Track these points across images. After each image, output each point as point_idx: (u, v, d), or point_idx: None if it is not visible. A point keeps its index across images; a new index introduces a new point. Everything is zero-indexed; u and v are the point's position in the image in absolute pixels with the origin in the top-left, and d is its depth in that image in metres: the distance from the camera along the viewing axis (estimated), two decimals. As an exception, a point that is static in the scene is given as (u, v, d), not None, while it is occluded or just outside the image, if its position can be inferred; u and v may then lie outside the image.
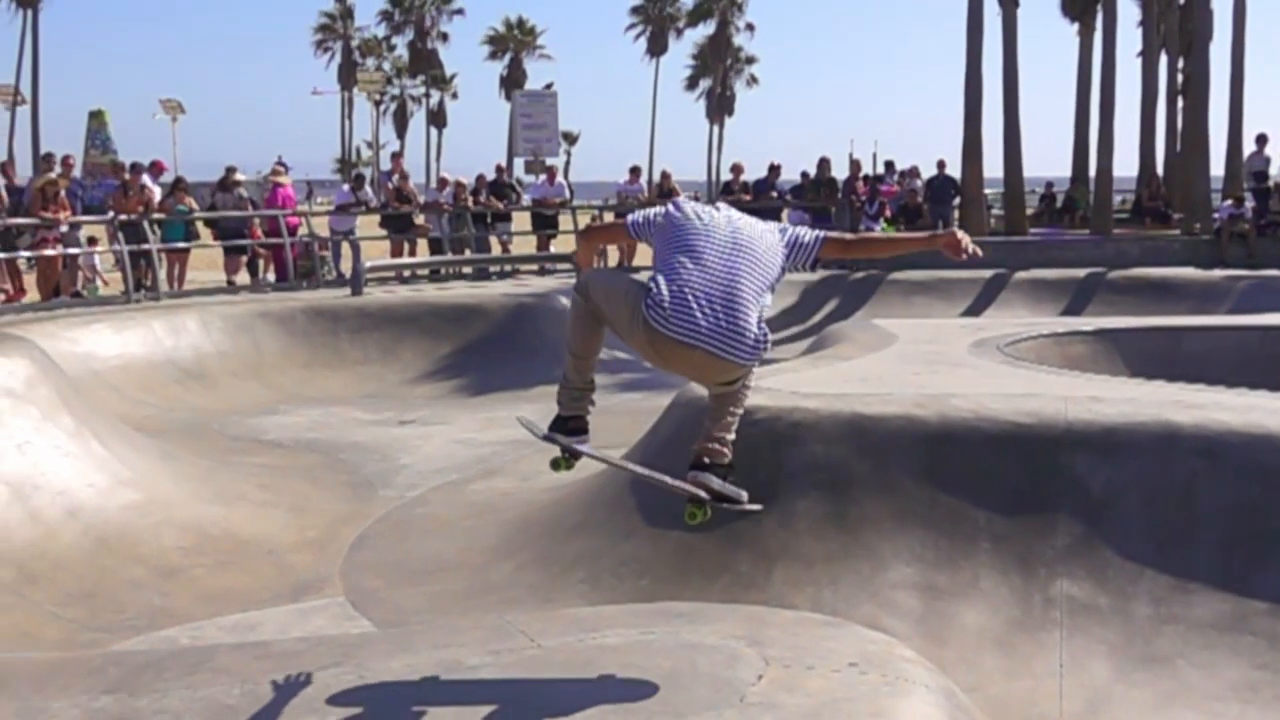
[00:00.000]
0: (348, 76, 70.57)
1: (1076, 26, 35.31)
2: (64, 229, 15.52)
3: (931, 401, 7.10)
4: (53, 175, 15.76)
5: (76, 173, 18.44)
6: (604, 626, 4.47)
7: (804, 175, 22.40)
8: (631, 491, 7.22)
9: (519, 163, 30.10)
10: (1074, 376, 8.44)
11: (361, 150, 75.72)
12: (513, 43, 73.25)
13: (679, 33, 72.93)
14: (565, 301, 5.27)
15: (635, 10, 73.08)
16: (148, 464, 8.61)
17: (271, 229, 17.87)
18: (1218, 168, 25.53)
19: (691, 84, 74.36)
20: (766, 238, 4.10)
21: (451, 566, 7.41)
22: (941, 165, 21.93)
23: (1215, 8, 24.87)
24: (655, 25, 72.31)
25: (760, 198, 20.51)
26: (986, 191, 25.22)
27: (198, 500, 8.40)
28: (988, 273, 19.20)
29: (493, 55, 73.68)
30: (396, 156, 24.61)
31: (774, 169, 21.96)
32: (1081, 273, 19.67)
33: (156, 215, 16.18)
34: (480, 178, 20.68)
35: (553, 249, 20.29)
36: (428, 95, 75.58)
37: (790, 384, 7.85)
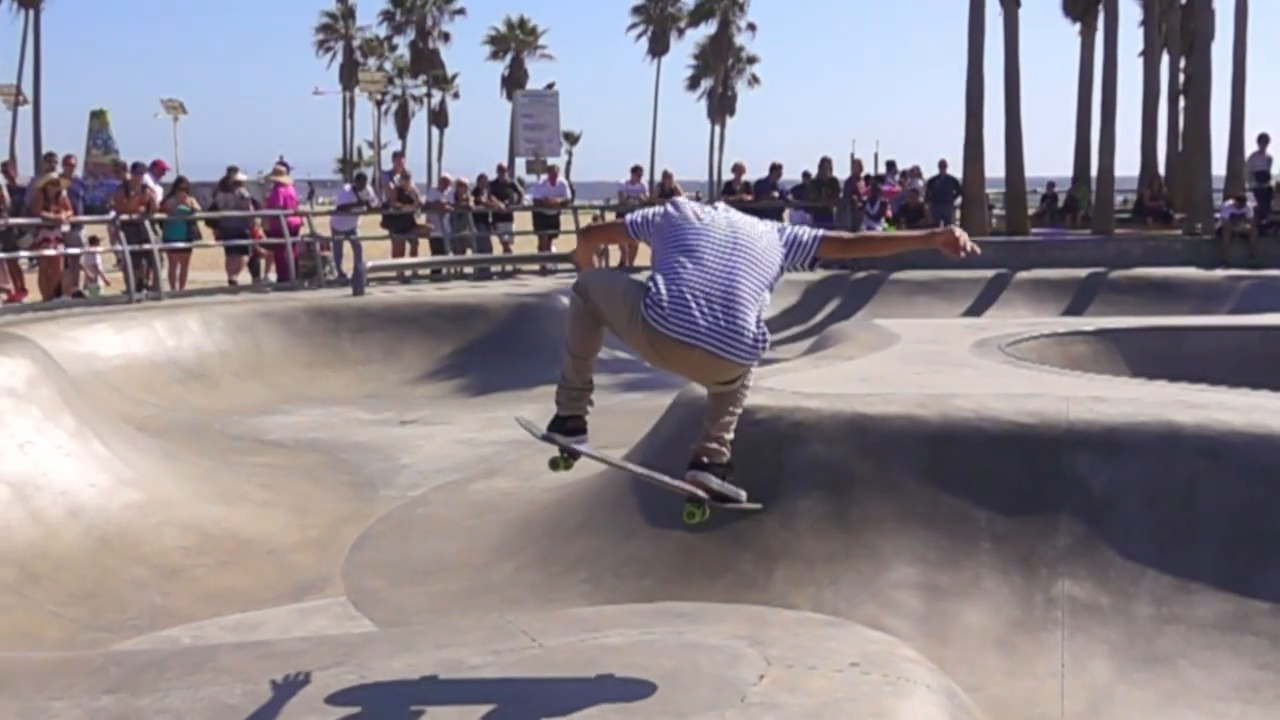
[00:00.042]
0: (349, 76, 70.58)
1: (1078, 26, 35.33)
2: (66, 229, 15.53)
3: (933, 401, 7.10)
4: (54, 175, 15.79)
5: (78, 173, 18.48)
6: (606, 626, 4.46)
7: (805, 175, 22.41)
8: (633, 491, 7.22)
9: (520, 162, 30.10)
10: (1076, 376, 8.43)
11: (363, 150, 75.91)
12: (514, 42, 73.31)
13: (680, 32, 73.00)
14: (566, 301, 5.25)
15: (637, 10, 73.12)
16: (149, 464, 8.62)
17: (273, 229, 17.88)
18: (1219, 167, 25.50)
19: (693, 84, 74.44)
20: (765, 237, 4.09)
21: (453, 566, 7.41)
22: (943, 165, 21.89)
23: (1217, 7, 24.90)
24: (657, 25, 72.32)
25: (762, 198, 20.50)
26: (988, 191, 25.18)
27: (199, 500, 8.40)
28: (989, 273, 19.18)
29: (494, 55, 73.82)
30: (398, 156, 24.59)
31: (775, 169, 21.93)
32: (1083, 273, 19.66)
33: (158, 215, 16.18)
34: (482, 177, 20.66)
35: (554, 249, 20.26)
36: (429, 95, 75.69)
37: (792, 384, 7.84)
